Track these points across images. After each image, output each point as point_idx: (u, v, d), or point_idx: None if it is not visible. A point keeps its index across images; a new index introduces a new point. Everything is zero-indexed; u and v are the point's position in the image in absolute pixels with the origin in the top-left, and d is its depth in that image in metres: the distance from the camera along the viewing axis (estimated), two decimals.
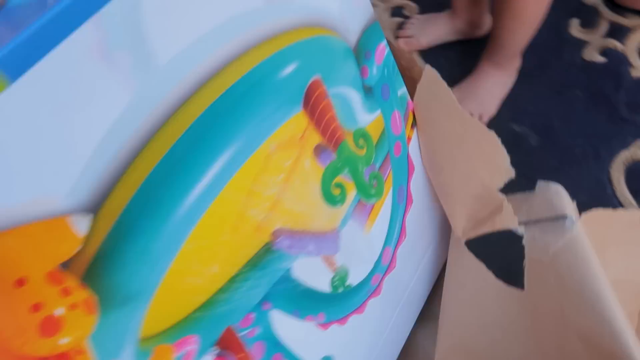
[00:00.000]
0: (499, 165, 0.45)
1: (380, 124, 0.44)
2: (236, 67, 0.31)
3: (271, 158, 0.34)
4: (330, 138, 0.38)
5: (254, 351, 0.36)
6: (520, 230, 0.45)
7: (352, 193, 0.42)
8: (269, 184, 0.34)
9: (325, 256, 0.41)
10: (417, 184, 0.49)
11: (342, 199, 0.40)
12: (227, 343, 0.34)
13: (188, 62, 0.28)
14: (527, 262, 0.46)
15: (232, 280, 0.33)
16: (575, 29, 0.81)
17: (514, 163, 0.47)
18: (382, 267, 0.47)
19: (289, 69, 0.34)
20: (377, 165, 0.44)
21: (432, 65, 0.47)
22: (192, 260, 0.31)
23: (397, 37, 0.82)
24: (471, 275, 0.48)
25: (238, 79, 0.31)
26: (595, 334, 0.42)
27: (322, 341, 0.42)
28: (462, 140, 0.46)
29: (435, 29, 0.80)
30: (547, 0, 0.63)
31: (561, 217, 0.45)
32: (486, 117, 0.72)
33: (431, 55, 0.80)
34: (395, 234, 0.48)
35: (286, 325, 0.38)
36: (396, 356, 0.57)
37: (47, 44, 0.22)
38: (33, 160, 0.23)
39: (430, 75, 0.45)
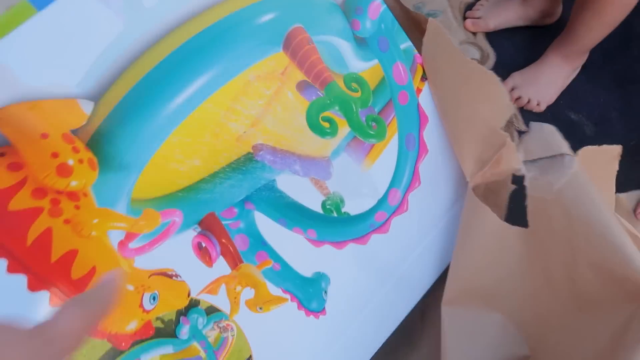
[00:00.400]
0: (500, 103, 0.47)
1: (378, 72, 0.50)
2: (217, 11, 0.42)
3: (250, 84, 0.44)
4: (315, 78, 0.46)
5: (237, 242, 0.45)
6: (523, 168, 0.46)
7: (344, 129, 0.48)
8: (249, 105, 0.44)
9: (314, 179, 0.48)
10: (432, 134, 0.53)
11: (332, 132, 0.47)
12: (210, 226, 0.44)
13: (171, 6, 0.40)
14: (530, 201, 0.45)
15: (214, 175, 0.43)
16: None
17: None
18: (389, 206, 0.51)
19: (267, 17, 0.44)
20: (377, 109, 0.50)
21: (497, 48, 0.53)
22: (175, 150, 0.42)
23: (465, 18, 0.83)
24: (478, 219, 0.48)
25: (218, 19, 0.42)
26: (607, 261, 0.42)
27: (314, 257, 0.48)
28: (465, 84, 0.49)
29: (505, 13, 0.80)
30: (633, 4, 0.62)
31: (559, 155, 0.44)
32: (544, 105, 0.74)
33: (497, 38, 0.80)
34: (405, 178, 0.52)
35: (272, 230, 0.46)
36: (411, 306, 0.57)
37: None
38: (54, 58, 0.37)
39: (433, 28, 0.49)
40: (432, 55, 0.50)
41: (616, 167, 0.48)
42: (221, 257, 0.44)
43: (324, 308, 0.49)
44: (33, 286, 0.38)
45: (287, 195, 0.46)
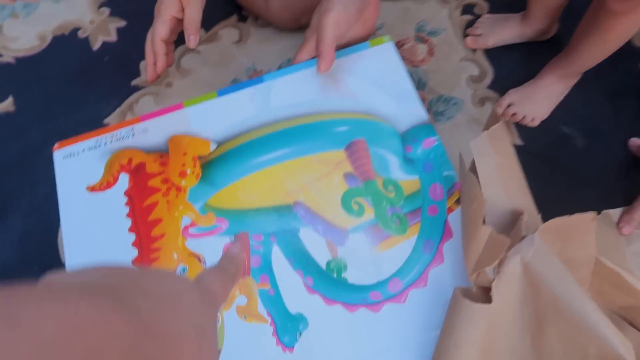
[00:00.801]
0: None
1: (417, 185, 0.61)
2: (311, 117, 0.66)
3: (312, 164, 0.63)
4: (360, 174, 0.62)
5: (253, 260, 0.60)
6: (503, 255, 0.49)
7: (370, 214, 0.60)
8: (305, 176, 0.63)
9: (329, 242, 0.59)
10: (452, 249, 0.57)
11: (359, 213, 0.60)
12: (241, 240, 0.61)
13: (284, 110, 0.66)
14: (504, 276, 0.47)
15: (260, 209, 0.62)
16: (637, 38, 0.85)
17: (559, 162, 0.72)
18: (387, 292, 0.56)
19: (342, 128, 0.65)
20: (404, 211, 0.60)
21: (495, 65, 0.62)
22: (245, 185, 0.63)
23: (465, 35, 0.84)
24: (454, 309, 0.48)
25: (310, 122, 0.66)
26: (572, 330, 0.42)
27: (303, 300, 0.57)
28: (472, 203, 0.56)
29: (504, 31, 0.83)
30: (634, 31, 0.63)
31: (527, 236, 0.47)
32: (538, 120, 0.78)
33: (496, 54, 0.81)
34: (412, 274, 0.56)
35: (280, 263, 0.59)
36: None
37: (232, 91, 0.68)
38: (213, 119, 0.67)
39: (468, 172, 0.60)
40: (464, 185, 0.59)
41: (593, 230, 0.47)
42: None
43: (293, 346, 0.55)
44: (134, 243, 0.61)
45: (302, 244, 0.59)
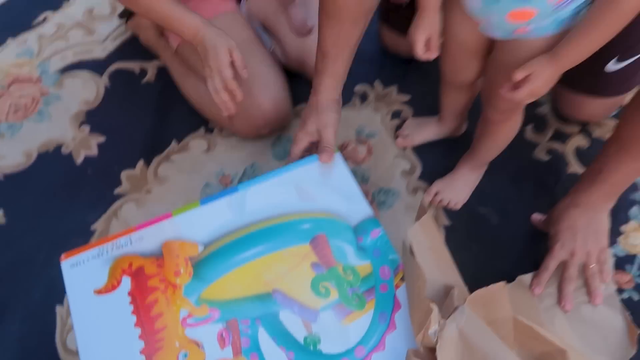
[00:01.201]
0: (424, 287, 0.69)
1: (369, 268, 0.77)
2: (280, 219, 0.82)
3: (284, 257, 0.78)
4: (323, 261, 0.78)
5: (243, 341, 0.73)
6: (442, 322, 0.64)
7: (335, 295, 0.75)
8: (279, 268, 0.77)
9: (304, 320, 0.74)
10: (401, 317, 0.73)
11: (326, 295, 0.75)
12: (231, 326, 0.74)
13: (257, 214, 0.82)
14: (445, 340, 0.62)
15: (245, 298, 0.75)
16: (529, 132, 1.08)
17: (479, 237, 0.93)
18: (355, 357, 0.70)
19: (306, 226, 0.81)
20: (361, 290, 0.75)
21: (422, 159, 0.81)
22: (228, 281, 0.77)
23: (396, 137, 1.06)
24: None
25: (279, 222, 0.81)
26: None
27: None
28: (413, 277, 0.72)
29: (426, 131, 1.05)
30: (517, 129, 0.86)
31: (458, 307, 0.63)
32: (460, 204, 0.98)
33: (422, 150, 1.06)
34: (372, 341, 0.71)
35: (266, 342, 0.72)
36: None
37: (212, 200, 0.83)
38: (197, 226, 0.81)
39: (407, 255, 0.76)
40: (405, 266, 0.76)
41: (507, 295, 0.63)
42: (230, 346, 0.72)
43: None
44: (141, 336, 0.73)
45: (283, 324, 0.73)
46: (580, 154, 1.04)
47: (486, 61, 0.82)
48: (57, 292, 0.91)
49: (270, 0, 1.12)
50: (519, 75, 0.67)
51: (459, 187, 0.99)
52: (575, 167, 1.02)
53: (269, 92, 1.03)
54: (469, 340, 0.63)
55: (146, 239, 0.80)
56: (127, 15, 1.24)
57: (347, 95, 1.12)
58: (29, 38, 1.29)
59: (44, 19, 1.33)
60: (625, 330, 0.82)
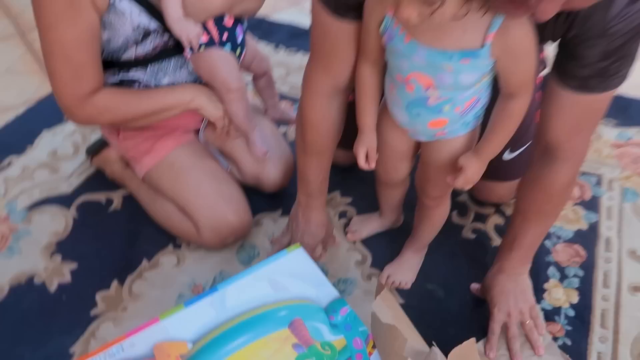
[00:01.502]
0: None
1: (343, 342, 0.88)
2: (258, 310, 0.92)
3: (266, 343, 0.88)
4: (303, 341, 0.88)
5: None
6: None
7: None
8: (264, 353, 0.86)
9: None
10: None
11: None
12: None
13: (237, 308, 0.92)
14: None
15: None
16: (455, 217, 1.28)
17: (431, 310, 1.06)
18: None
19: (282, 313, 0.91)
20: None
21: (371, 250, 0.97)
22: (228, 356, 0.84)
23: (346, 233, 1.22)
24: None
25: (258, 313, 0.91)
26: None
27: None
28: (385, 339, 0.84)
29: (370, 225, 1.22)
30: (447, 212, 1.07)
31: None
32: (409, 283, 1.14)
33: (370, 242, 1.23)
34: None
35: None
36: None
37: (195, 302, 0.93)
38: (185, 326, 0.89)
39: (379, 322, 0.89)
40: (375, 336, 0.88)
41: (475, 350, 0.75)
42: None
43: None
44: None
45: None
46: (498, 229, 1.24)
47: (412, 162, 1.03)
48: None
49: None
50: (457, 167, 0.87)
51: (406, 268, 1.15)
52: (497, 241, 1.22)
53: (233, 205, 1.17)
54: None
55: (137, 345, 0.87)
56: (93, 151, 1.37)
57: None
58: None
59: (9, 163, 1.43)
60: None
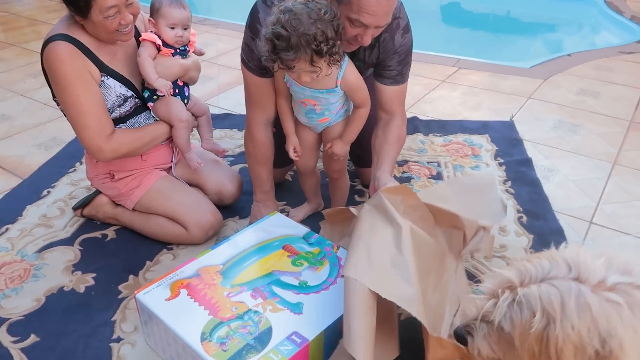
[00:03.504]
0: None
1: (318, 250, 1.39)
2: (260, 244, 1.40)
3: (270, 257, 1.36)
4: (293, 253, 1.38)
5: (266, 295, 1.25)
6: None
7: (306, 264, 1.34)
8: (270, 261, 1.34)
9: (295, 277, 1.31)
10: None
11: (301, 265, 1.34)
12: (257, 290, 1.26)
13: (246, 245, 1.40)
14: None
15: (258, 278, 1.29)
16: (357, 198, 1.65)
17: None
18: (328, 284, 1.29)
19: (276, 243, 1.41)
20: (318, 258, 1.37)
21: (305, 224, 1.48)
22: (245, 274, 1.30)
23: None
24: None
25: (260, 245, 1.40)
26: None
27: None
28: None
29: (302, 211, 1.76)
30: (349, 183, 1.66)
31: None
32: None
33: (304, 221, 1.71)
34: (334, 275, 1.32)
35: (279, 291, 1.26)
36: None
37: (217, 246, 1.38)
38: (214, 259, 1.34)
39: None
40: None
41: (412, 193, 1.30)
42: (260, 297, 1.24)
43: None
44: (204, 309, 1.20)
45: (284, 281, 1.29)
46: None
47: (317, 154, 1.64)
48: None
49: (186, 167, 1.80)
50: (328, 147, 1.51)
51: None
52: None
53: (209, 208, 1.67)
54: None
55: (186, 271, 1.31)
56: (81, 205, 1.77)
57: None
58: (0, 242, 1.69)
59: (7, 229, 1.75)
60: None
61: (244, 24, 1.45)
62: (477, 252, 1.38)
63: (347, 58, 1.39)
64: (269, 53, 1.26)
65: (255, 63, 1.44)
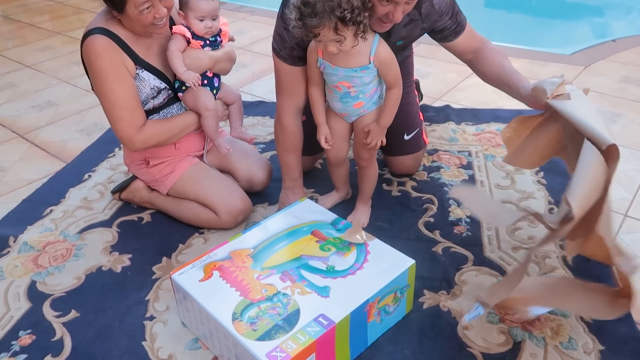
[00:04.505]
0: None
1: (340, 239, 1.42)
2: (290, 229, 1.44)
3: (299, 242, 1.39)
4: (321, 238, 1.41)
5: (295, 278, 1.28)
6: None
7: (333, 249, 1.37)
8: (299, 246, 1.38)
9: (322, 260, 1.34)
10: (372, 249, 1.38)
11: (329, 250, 1.37)
12: (286, 274, 1.30)
13: (277, 230, 1.43)
14: None
15: (287, 261, 1.33)
16: (385, 185, 1.79)
17: (379, 236, 1.41)
18: (355, 269, 1.32)
19: (305, 228, 1.44)
20: (346, 243, 1.39)
21: (334, 211, 1.50)
22: (276, 257, 1.34)
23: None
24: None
25: (290, 230, 1.43)
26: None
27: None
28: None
29: (331, 198, 1.77)
30: (377, 172, 1.62)
31: None
32: (366, 223, 1.67)
33: (332, 209, 1.67)
34: (361, 260, 1.34)
35: (307, 274, 1.29)
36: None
37: (248, 230, 1.43)
38: (245, 243, 1.39)
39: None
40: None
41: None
42: (289, 280, 1.28)
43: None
44: (236, 290, 1.25)
45: (312, 266, 1.32)
46: (414, 188, 1.89)
47: (349, 144, 1.65)
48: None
49: (217, 155, 1.85)
50: (366, 130, 1.50)
51: (361, 214, 1.72)
52: (415, 194, 1.85)
53: (239, 194, 1.71)
54: None
55: (219, 254, 1.36)
56: (119, 189, 1.85)
57: None
58: (44, 223, 1.79)
59: (51, 211, 1.85)
60: None
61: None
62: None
63: (377, 36, 1.40)
64: (295, 20, 1.29)
65: (287, 52, 1.47)
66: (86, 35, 1.49)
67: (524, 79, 1.49)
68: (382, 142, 1.54)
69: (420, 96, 2.29)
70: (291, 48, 1.45)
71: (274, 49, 1.52)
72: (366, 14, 1.28)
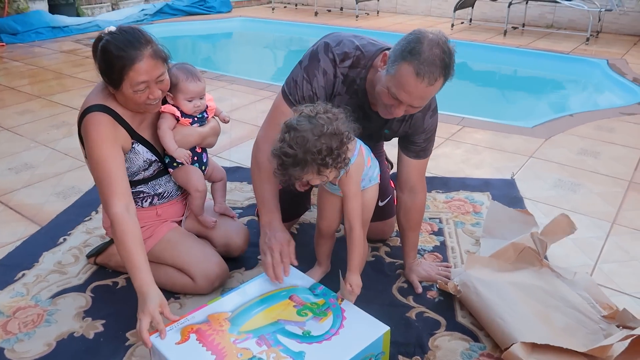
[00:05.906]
0: None
1: (323, 301, 1.45)
2: (268, 293, 1.47)
3: (276, 307, 1.41)
4: (299, 303, 1.43)
5: (271, 343, 1.30)
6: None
7: (310, 314, 1.39)
8: (276, 311, 1.40)
9: (299, 327, 1.36)
10: (348, 315, 1.41)
11: (306, 315, 1.39)
12: (262, 338, 1.31)
13: (255, 294, 1.46)
14: None
15: (264, 326, 1.35)
16: None
17: (367, 297, 1.44)
18: (330, 334, 1.34)
19: (283, 293, 1.47)
20: (322, 309, 1.42)
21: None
22: (252, 322, 1.36)
23: None
24: None
25: (268, 295, 1.46)
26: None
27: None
28: None
29: (316, 273, 1.73)
30: (365, 244, 1.63)
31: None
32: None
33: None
34: (337, 325, 1.37)
35: (283, 340, 1.31)
36: None
37: (227, 294, 1.45)
38: (224, 306, 1.40)
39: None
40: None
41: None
42: (265, 345, 1.29)
43: None
44: (211, 354, 1.25)
45: (289, 330, 1.34)
46: (387, 253, 1.94)
47: (340, 218, 1.69)
48: None
49: (195, 222, 1.89)
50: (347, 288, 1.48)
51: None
52: (387, 259, 1.91)
53: (216, 259, 1.74)
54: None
55: (196, 317, 1.37)
56: (95, 254, 1.85)
57: None
58: (16, 287, 1.76)
59: (23, 275, 1.83)
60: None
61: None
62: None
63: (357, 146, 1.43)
64: (277, 168, 1.31)
65: (296, 98, 1.54)
66: (86, 111, 1.54)
67: (413, 256, 1.80)
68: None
69: (391, 165, 2.39)
70: (302, 97, 1.52)
71: (283, 93, 1.58)
72: (345, 148, 1.31)
